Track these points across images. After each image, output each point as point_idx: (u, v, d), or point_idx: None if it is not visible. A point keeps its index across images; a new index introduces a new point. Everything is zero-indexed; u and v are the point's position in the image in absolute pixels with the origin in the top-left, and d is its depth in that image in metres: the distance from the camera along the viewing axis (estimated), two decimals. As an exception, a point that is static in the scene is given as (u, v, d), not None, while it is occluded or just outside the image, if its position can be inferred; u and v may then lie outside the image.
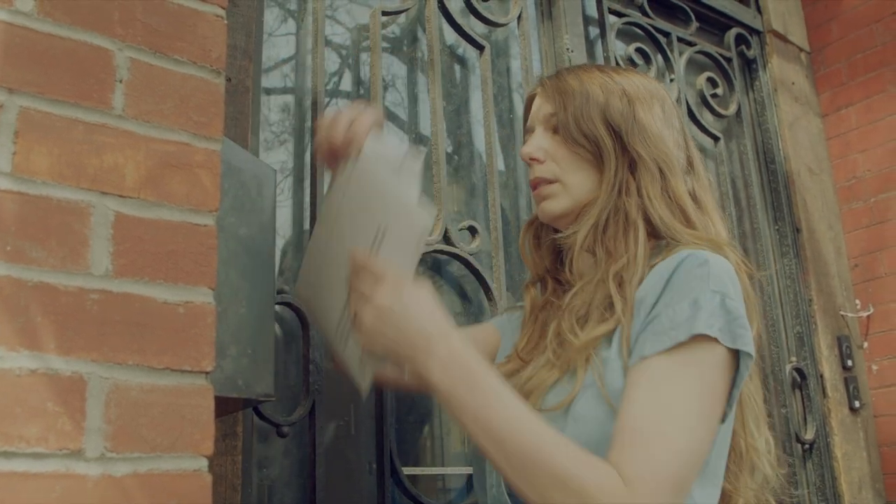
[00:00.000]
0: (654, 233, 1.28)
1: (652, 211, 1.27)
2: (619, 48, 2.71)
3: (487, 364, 1.11)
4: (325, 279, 1.26)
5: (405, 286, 1.12)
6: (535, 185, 1.37)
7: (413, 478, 1.94)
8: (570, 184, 1.33)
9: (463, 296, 2.14)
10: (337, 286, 1.20)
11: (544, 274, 1.43)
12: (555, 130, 1.35)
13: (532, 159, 1.37)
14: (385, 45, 2.28)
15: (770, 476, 1.28)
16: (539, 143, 1.36)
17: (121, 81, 0.97)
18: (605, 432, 1.11)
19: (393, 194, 1.14)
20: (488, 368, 1.10)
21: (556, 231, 1.38)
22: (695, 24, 2.97)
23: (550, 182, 1.35)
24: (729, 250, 1.25)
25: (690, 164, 1.38)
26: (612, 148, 1.30)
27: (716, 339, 1.10)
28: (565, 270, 1.37)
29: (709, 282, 1.13)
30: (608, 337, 1.19)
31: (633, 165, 1.30)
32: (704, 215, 1.33)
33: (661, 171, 1.29)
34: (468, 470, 2.01)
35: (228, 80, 1.65)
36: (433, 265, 2.15)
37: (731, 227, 2.81)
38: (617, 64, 2.58)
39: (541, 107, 1.40)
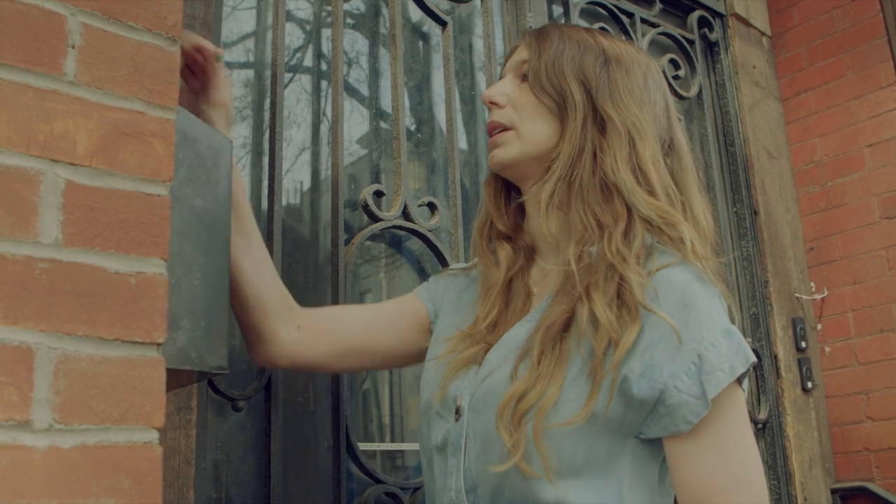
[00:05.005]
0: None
1: (617, 176, 1.22)
2: (583, 28, 2.70)
3: None
4: None
5: None
6: (491, 130, 1.34)
7: (370, 454, 1.94)
8: (525, 132, 1.30)
9: (421, 272, 2.14)
10: None
11: (511, 234, 1.37)
12: (524, 78, 1.33)
13: (492, 103, 1.34)
14: (347, 20, 2.26)
15: None
16: (503, 88, 1.34)
17: (73, 47, 0.95)
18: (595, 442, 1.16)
19: None
20: None
21: (519, 193, 1.36)
22: (658, 6, 2.98)
23: (505, 129, 1.32)
24: (694, 247, 1.22)
25: (671, 145, 1.33)
26: (581, 103, 1.26)
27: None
28: (524, 234, 1.35)
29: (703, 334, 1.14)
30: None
31: (602, 127, 1.25)
32: (682, 195, 1.29)
33: (630, 137, 1.25)
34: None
35: (186, 50, 1.62)
36: (392, 241, 2.14)
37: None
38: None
39: (517, 54, 1.37)
